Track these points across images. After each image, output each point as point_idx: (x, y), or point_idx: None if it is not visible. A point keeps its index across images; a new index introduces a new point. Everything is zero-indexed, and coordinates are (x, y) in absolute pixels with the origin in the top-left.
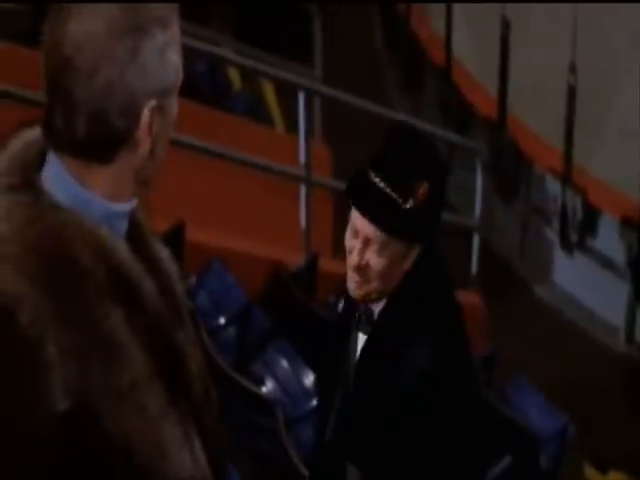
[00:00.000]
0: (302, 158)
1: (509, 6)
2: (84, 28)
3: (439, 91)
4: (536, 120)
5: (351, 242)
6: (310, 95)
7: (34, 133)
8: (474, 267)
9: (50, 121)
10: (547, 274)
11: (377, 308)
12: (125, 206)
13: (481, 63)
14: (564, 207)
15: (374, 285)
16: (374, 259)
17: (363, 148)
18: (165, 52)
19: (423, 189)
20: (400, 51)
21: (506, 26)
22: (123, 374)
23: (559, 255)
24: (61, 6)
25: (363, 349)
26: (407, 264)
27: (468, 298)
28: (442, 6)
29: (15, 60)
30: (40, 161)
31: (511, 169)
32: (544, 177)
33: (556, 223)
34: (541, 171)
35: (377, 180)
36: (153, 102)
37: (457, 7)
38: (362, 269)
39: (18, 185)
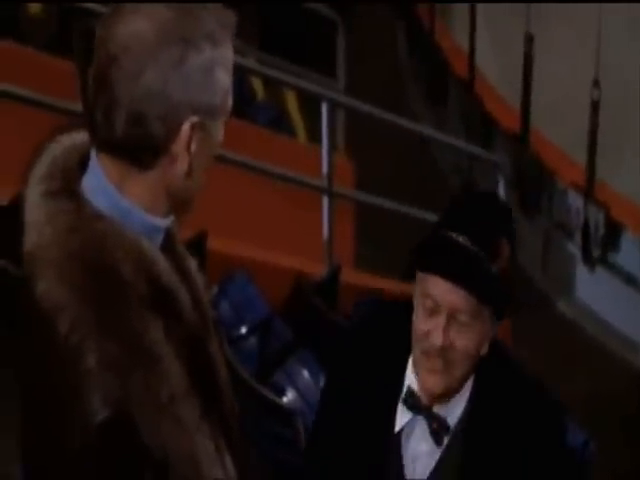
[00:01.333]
0: (325, 169)
1: (533, 20)
2: (134, 29)
3: (462, 104)
4: (559, 134)
5: (427, 324)
6: (333, 106)
7: (72, 139)
8: None
9: (92, 116)
10: (569, 289)
11: (448, 412)
12: (162, 222)
13: (504, 76)
14: (586, 222)
15: (458, 374)
16: (460, 338)
17: (386, 160)
18: (212, 70)
19: (506, 248)
20: (423, 63)
21: (530, 40)
22: (162, 386)
23: (581, 270)
24: (116, 4)
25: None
26: (484, 349)
27: None
28: (466, 19)
29: (41, 67)
30: (80, 168)
31: (533, 183)
32: (566, 191)
33: (578, 238)
34: (563, 185)
35: (461, 239)
36: (195, 118)
37: (481, 19)
38: (446, 352)
39: (59, 191)
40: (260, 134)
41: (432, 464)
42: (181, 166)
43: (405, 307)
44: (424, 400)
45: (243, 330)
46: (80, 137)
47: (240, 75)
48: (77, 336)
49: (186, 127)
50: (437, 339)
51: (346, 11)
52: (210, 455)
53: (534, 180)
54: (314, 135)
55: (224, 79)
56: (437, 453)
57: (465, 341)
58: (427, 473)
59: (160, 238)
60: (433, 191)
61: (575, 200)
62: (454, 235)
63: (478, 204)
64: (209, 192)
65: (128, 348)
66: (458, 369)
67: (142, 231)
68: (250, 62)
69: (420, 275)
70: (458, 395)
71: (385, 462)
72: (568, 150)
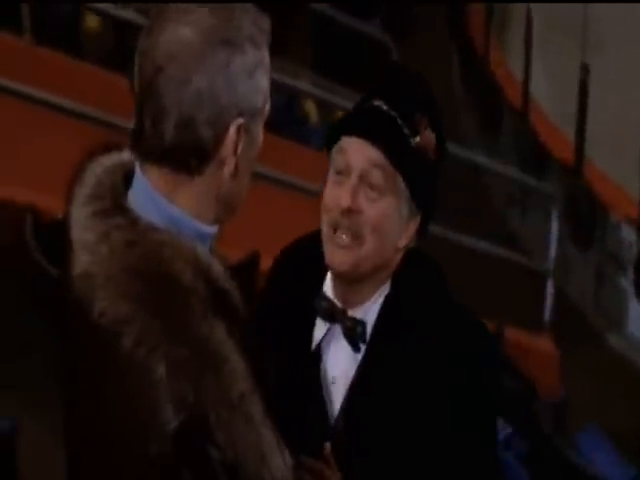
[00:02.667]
0: None
1: (589, 49)
2: (177, 37)
3: (516, 133)
4: (613, 166)
5: (336, 191)
6: None
7: (111, 159)
8: (547, 313)
9: (140, 127)
10: (621, 324)
11: (365, 314)
12: (211, 229)
13: (559, 106)
14: (639, 256)
15: (365, 251)
16: (369, 207)
17: (438, 184)
18: (255, 72)
19: (427, 128)
20: (477, 89)
21: (585, 70)
22: (233, 386)
23: (633, 305)
24: (157, 14)
25: (363, 371)
26: (402, 241)
27: (541, 343)
28: (521, 47)
29: (99, 83)
30: (124, 185)
31: (586, 215)
32: (620, 225)
33: (631, 272)
34: (617, 219)
35: (385, 108)
36: (240, 120)
37: (536, 48)
38: (353, 215)
39: (110, 210)
40: (312, 156)
41: (350, 378)
42: (228, 169)
43: (315, 235)
44: (338, 304)
45: None
46: (118, 157)
47: (292, 97)
48: (144, 348)
49: (232, 130)
50: (345, 200)
51: (400, 36)
52: (273, 448)
53: (587, 212)
54: None
55: (264, 82)
56: (356, 364)
57: (374, 210)
58: (347, 387)
59: (208, 245)
60: (484, 221)
61: (628, 234)
62: (374, 101)
63: (403, 79)
64: (260, 213)
65: (197, 352)
66: (366, 245)
67: (194, 238)
68: (303, 84)
69: (336, 146)
70: (373, 299)
71: (304, 382)
72: (623, 183)
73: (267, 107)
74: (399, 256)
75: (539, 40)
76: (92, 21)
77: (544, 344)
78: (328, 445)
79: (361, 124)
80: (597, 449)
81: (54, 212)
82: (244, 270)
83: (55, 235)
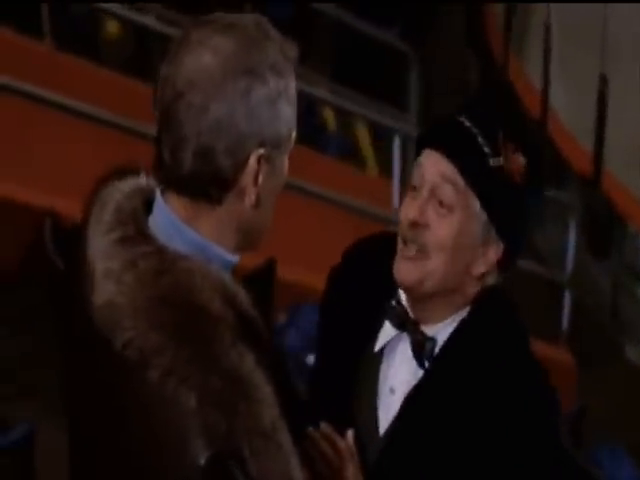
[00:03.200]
0: (395, 203)
1: (608, 60)
2: (198, 63)
3: (534, 144)
4: (632, 177)
5: (408, 204)
6: (406, 140)
7: (129, 184)
8: (565, 323)
9: (159, 154)
10: (637, 335)
11: (436, 333)
12: (233, 257)
13: (577, 117)
14: None
15: (431, 267)
16: (437, 222)
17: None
18: (277, 102)
19: (515, 152)
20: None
21: (604, 81)
22: (265, 414)
23: None
24: (180, 38)
25: (424, 388)
26: (478, 267)
27: (558, 354)
28: (540, 57)
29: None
30: (144, 211)
31: (604, 226)
32: (637, 235)
33: None
34: (635, 229)
35: (468, 124)
36: (261, 151)
37: (555, 59)
38: (420, 228)
39: (134, 236)
40: (330, 165)
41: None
42: (249, 199)
43: (389, 236)
44: (411, 314)
45: (311, 360)
46: (136, 182)
47: (311, 105)
48: (174, 379)
49: (253, 160)
50: (412, 213)
51: (419, 45)
52: (298, 477)
53: (605, 223)
54: (384, 170)
55: (288, 110)
56: (417, 379)
57: (441, 226)
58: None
59: (230, 272)
60: None
61: None
62: (459, 117)
63: (495, 101)
64: (276, 220)
65: (228, 381)
66: (431, 260)
67: (220, 266)
68: (322, 92)
69: (417, 160)
70: (446, 322)
71: (360, 385)
72: None
73: (293, 136)
74: (477, 284)
75: (558, 50)
76: (112, 27)
77: (561, 355)
78: (350, 433)
79: (439, 137)
80: (615, 463)
81: (73, 216)
82: (261, 277)
83: (74, 240)
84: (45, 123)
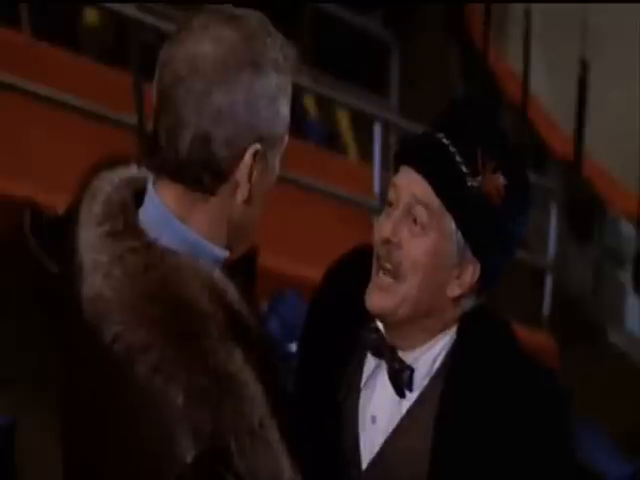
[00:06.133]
0: (376, 189)
1: (588, 45)
2: (201, 50)
3: (515, 129)
4: (612, 162)
5: (383, 221)
6: (386, 126)
7: (118, 175)
8: (546, 308)
9: (155, 138)
10: (619, 318)
11: (415, 360)
12: (223, 252)
13: (558, 102)
14: (638, 251)
15: (404, 290)
16: (410, 242)
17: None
18: (276, 99)
19: (496, 172)
20: (476, 86)
21: (584, 66)
22: (253, 411)
23: (632, 300)
24: (181, 25)
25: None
26: (454, 289)
27: (540, 338)
28: (520, 43)
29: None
30: (134, 203)
31: (585, 210)
32: (618, 220)
33: (630, 267)
34: (615, 213)
35: (445, 141)
36: (257, 146)
37: (535, 44)
38: (393, 247)
39: (123, 230)
40: (311, 152)
41: (395, 421)
42: (241, 194)
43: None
44: (388, 340)
45: (293, 348)
46: (126, 172)
47: (293, 93)
48: (161, 376)
49: (249, 154)
50: (385, 230)
51: (400, 31)
52: (289, 475)
53: (586, 208)
54: (364, 156)
55: (286, 110)
56: (400, 410)
57: (415, 245)
58: (389, 430)
59: (219, 268)
60: None
61: (627, 229)
62: (437, 133)
63: (473, 115)
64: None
65: (215, 379)
66: (407, 284)
67: (209, 261)
68: (303, 80)
69: (394, 176)
70: (425, 348)
71: (344, 417)
72: (621, 178)
73: (286, 138)
74: (453, 308)
75: (538, 35)
76: (91, 17)
77: (544, 339)
78: None
79: (415, 154)
80: (595, 444)
81: (53, 207)
82: (244, 266)
83: (54, 231)
84: (23, 113)
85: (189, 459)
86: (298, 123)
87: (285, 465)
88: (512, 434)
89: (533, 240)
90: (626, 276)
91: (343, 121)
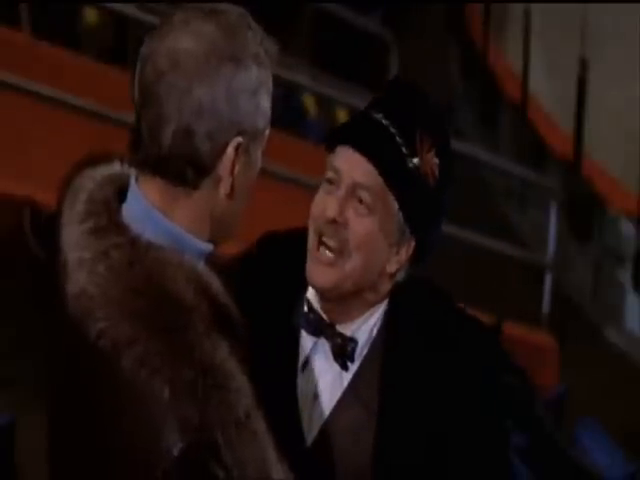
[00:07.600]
0: None
1: (588, 44)
2: (183, 45)
3: (514, 128)
4: (612, 161)
5: (324, 201)
6: None
7: (101, 172)
8: (546, 307)
9: (137, 134)
10: (618, 318)
11: (354, 332)
12: (206, 246)
13: (558, 101)
14: (638, 250)
15: (349, 268)
16: (356, 221)
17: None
18: (258, 92)
19: (430, 152)
20: (476, 85)
21: (584, 65)
22: (239, 404)
23: (631, 299)
24: (163, 21)
25: (354, 388)
26: (391, 266)
27: (540, 337)
28: (520, 42)
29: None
30: (117, 199)
31: (585, 210)
32: (618, 219)
33: (629, 266)
34: (615, 213)
35: (385, 122)
36: (239, 139)
37: (535, 43)
38: (339, 227)
39: (106, 227)
40: (310, 151)
41: (337, 396)
42: (224, 188)
43: (300, 234)
44: (325, 318)
45: None
46: (109, 169)
47: (291, 91)
48: (147, 370)
49: (231, 148)
50: (331, 210)
51: (399, 30)
52: (276, 466)
53: (586, 206)
54: None
55: (267, 104)
56: (342, 384)
57: (361, 225)
58: (331, 407)
59: (202, 261)
60: (483, 215)
61: (627, 228)
62: (375, 113)
63: (409, 95)
64: (256, 206)
65: (201, 372)
66: (349, 261)
67: (193, 255)
68: (303, 79)
69: (331, 154)
70: (363, 318)
71: (286, 399)
72: (621, 177)
73: (267, 131)
74: (389, 282)
75: (538, 35)
76: (91, 16)
77: (543, 337)
78: None
79: (357, 136)
80: (595, 443)
81: (53, 207)
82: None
83: (54, 229)
84: (22, 112)
85: (176, 452)
86: (298, 122)
87: (272, 455)
88: (452, 391)
89: (533, 239)
90: (626, 275)
91: (343, 120)
